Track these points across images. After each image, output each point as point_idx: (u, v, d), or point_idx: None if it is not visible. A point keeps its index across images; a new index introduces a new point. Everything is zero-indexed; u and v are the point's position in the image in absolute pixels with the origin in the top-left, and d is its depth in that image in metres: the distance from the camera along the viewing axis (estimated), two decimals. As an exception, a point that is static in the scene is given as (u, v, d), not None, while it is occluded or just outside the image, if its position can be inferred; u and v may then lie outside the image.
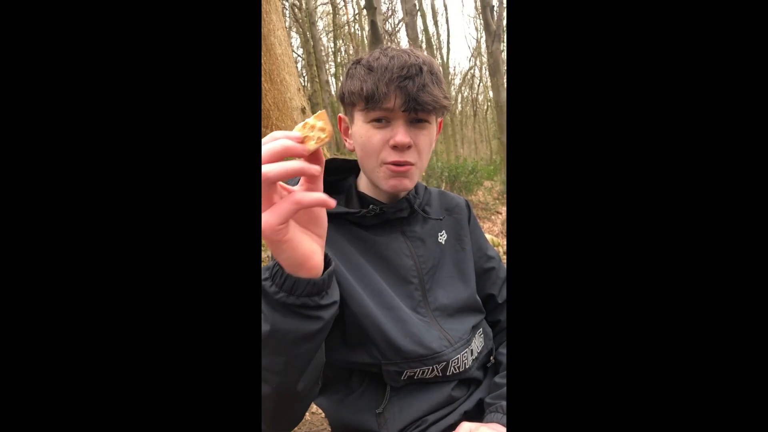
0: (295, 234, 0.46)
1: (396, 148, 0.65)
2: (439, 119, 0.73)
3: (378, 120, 0.66)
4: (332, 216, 0.69)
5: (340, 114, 0.74)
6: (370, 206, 0.70)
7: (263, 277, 0.49)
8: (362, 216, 0.70)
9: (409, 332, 0.67)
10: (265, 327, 0.49)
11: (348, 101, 0.69)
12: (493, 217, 5.70)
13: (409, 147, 0.66)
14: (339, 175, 0.77)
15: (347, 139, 0.73)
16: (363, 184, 0.76)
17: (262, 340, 0.48)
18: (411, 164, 0.67)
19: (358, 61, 0.68)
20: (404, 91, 0.63)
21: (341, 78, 0.73)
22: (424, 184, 0.83)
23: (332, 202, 0.44)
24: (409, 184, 0.68)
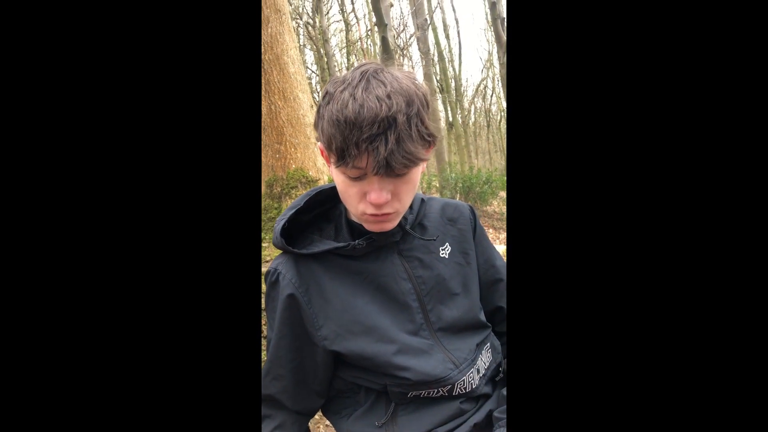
0: None
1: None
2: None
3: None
4: (321, 255, 0.68)
5: (320, 145, 0.63)
6: (356, 241, 0.67)
7: None
8: (352, 248, 0.67)
9: (410, 364, 0.66)
10: None
11: (322, 143, 0.61)
12: (508, 227, 5.63)
13: (387, 201, 0.60)
14: (328, 204, 0.75)
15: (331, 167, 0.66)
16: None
17: None
18: (391, 213, 0.62)
19: (330, 96, 0.58)
20: (376, 154, 0.54)
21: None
22: (423, 195, 0.78)
23: None
24: (391, 226, 0.65)
